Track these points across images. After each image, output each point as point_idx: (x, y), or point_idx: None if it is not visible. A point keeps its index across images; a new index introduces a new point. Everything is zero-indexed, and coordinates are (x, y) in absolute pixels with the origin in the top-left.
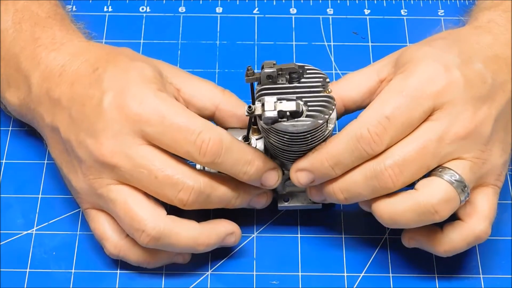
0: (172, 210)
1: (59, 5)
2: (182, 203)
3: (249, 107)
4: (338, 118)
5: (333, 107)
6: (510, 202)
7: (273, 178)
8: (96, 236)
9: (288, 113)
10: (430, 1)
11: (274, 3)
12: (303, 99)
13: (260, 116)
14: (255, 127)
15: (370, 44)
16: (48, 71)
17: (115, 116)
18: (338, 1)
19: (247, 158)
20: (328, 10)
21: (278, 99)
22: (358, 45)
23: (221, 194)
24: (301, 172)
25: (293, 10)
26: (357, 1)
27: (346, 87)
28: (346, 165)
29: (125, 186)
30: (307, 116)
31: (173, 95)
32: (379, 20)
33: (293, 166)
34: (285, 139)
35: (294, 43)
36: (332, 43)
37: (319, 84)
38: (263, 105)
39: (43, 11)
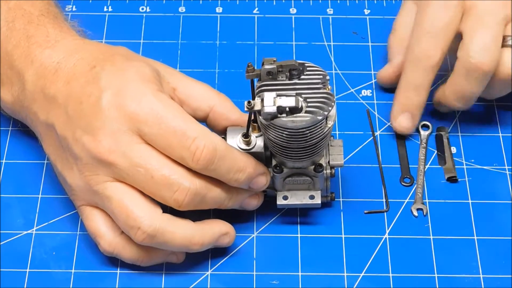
0: (172, 208)
1: (51, 4)
2: (177, 204)
3: (249, 102)
4: None
5: (333, 104)
6: (510, 202)
7: (261, 182)
8: (90, 233)
9: (287, 109)
10: None
11: (274, 3)
12: (303, 96)
13: (259, 111)
14: (255, 124)
15: (370, 44)
16: (42, 69)
17: (113, 114)
18: (338, 1)
19: (239, 166)
20: (328, 10)
21: (278, 95)
22: (358, 45)
23: (216, 195)
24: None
25: (293, 10)
26: (357, 1)
27: None
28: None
29: (121, 184)
30: (306, 112)
31: (169, 95)
32: (379, 20)
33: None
34: (284, 135)
35: (294, 43)
36: (332, 43)
37: (319, 81)
38: (262, 100)
39: (36, 9)
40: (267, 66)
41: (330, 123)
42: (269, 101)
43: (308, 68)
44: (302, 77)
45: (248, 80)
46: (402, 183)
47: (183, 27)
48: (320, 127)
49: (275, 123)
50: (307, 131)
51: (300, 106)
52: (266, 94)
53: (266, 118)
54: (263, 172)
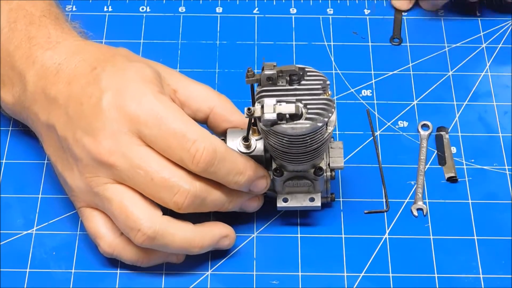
0: (172, 211)
1: (53, 4)
2: (177, 206)
3: (248, 109)
4: None
5: (333, 110)
6: (510, 202)
7: (261, 185)
8: (90, 235)
9: (287, 116)
10: None
11: (274, 3)
12: (303, 102)
13: (259, 117)
14: (255, 127)
15: (370, 44)
16: (44, 70)
17: (113, 115)
18: (338, 1)
19: (239, 168)
20: (328, 10)
21: (278, 101)
22: (358, 45)
23: (216, 198)
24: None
25: (293, 10)
26: (357, 1)
27: None
28: None
29: (121, 186)
30: (306, 118)
31: (170, 97)
32: (379, 20)
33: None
34: (284, 141)
35: (294, 43)
36: (332, 43)
37: (319, 86)
38: (262, 107)
39: (38, 10)
40: (267, 72)
41: (330, 129)
42: (269, 108)
43: (308, 73)
44: (302, 82)
45: None
46: (392, 43)
47: (183, 27)
48: (320, 133)
49: (275, 129)
50: (307, 137)
51: (300, 113)
52: (266, 100)
53: (266, 124)
54: (263, 175)
